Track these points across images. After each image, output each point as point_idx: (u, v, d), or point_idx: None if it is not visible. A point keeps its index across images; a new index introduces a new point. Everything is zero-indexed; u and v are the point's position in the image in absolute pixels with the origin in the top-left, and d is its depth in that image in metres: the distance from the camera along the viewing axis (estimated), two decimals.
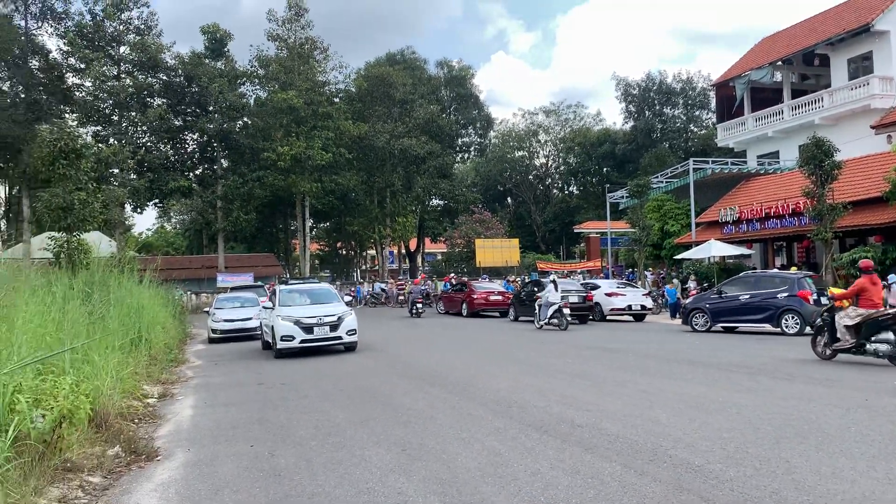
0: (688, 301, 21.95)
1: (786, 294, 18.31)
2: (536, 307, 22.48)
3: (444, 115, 58.34)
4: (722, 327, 19.55)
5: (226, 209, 46.20)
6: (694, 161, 34.05)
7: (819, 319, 12.94)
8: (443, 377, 11.81)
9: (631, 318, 25.56)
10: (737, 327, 19.46)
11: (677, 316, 24.06)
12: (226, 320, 22.04)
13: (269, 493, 5.74)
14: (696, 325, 19.70)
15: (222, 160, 48.42)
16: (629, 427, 7.32)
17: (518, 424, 7.72)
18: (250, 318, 21.92)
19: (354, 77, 51.93)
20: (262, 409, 9.44)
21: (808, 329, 17.51)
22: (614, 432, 7.09)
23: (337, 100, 50.09)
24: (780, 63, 36.40)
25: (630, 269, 39.11)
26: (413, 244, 65.29)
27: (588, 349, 15.72)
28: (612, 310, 25.54)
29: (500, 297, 29.89)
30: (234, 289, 31.17)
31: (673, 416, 7.85)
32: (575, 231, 61.01)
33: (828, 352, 12.52)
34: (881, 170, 24.14)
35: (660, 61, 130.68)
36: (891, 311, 11.90)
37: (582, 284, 27.63)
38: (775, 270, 22.69)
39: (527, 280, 34.43)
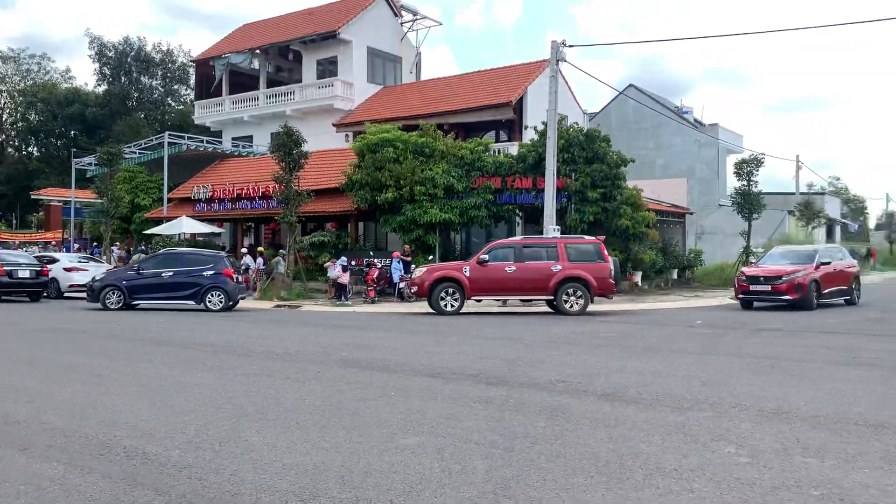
0: (98, 277, 20.80)
1: (211, 272, 19.29)
2: None
3: None
4: (126, 304, 19.24)
5: None
6: (170, 135, 33.22)
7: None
8: None
9: None
10: (137, 304, 19.53)
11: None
12: None
13: None
14: (108, 302, 19.08)
15: None
16: (78, 418, 6.49)
17: None
18: None
19: None
20: None
21: (230, 303, 19.12)
22: (60, 426, 6.20)
23: None
24: (258, 51, 37.93)
25: (95, 243, 36.22)
26: None
27: (39, 331, 13.86)
28: (71, 286, 23.26)
29: None
30: None
31: (131, 401, 7.26)
32: (33, 197, 53.87)
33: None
34: (340, 164, 27.02)
35: (140, 28, 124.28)
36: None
37: (36, 257, 24.49)
38: (197, 250, 23.48)
39: None
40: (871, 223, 73.30)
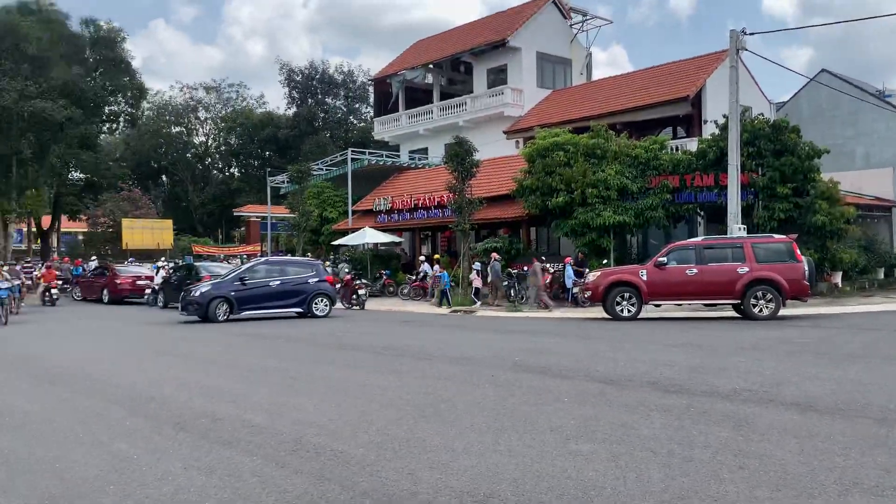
0: (203, 290, 19.27)
1: (315, 279, 20.09)
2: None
3: (88, 79, 52.15)
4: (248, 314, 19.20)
5: None
6: (352, 151, 35.14)
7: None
8: (69, 374, 10.38)
9: None
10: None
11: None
12: None
13: None
14: (217, 314, 18.56)
15: None
16: (274, 416, 7.06)
17: (153, 422, 6.99)
18: None
19: None
20: None
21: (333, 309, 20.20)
22: (258, 423, 6.77)
23: None
24: (431, 66, 39.16)
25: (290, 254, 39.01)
26: (46, 222, 57.55)
27: (238, 336, 15.18)
28: None
29: (147, 282, 27.66)
30: None
31: (319, 402, 7.78)
32: (235, 214, 59.22)
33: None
34: (511, 170, 27.22)
35: (325, 51, 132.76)
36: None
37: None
38: (297, 258, 25.30)
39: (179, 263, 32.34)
40: None
